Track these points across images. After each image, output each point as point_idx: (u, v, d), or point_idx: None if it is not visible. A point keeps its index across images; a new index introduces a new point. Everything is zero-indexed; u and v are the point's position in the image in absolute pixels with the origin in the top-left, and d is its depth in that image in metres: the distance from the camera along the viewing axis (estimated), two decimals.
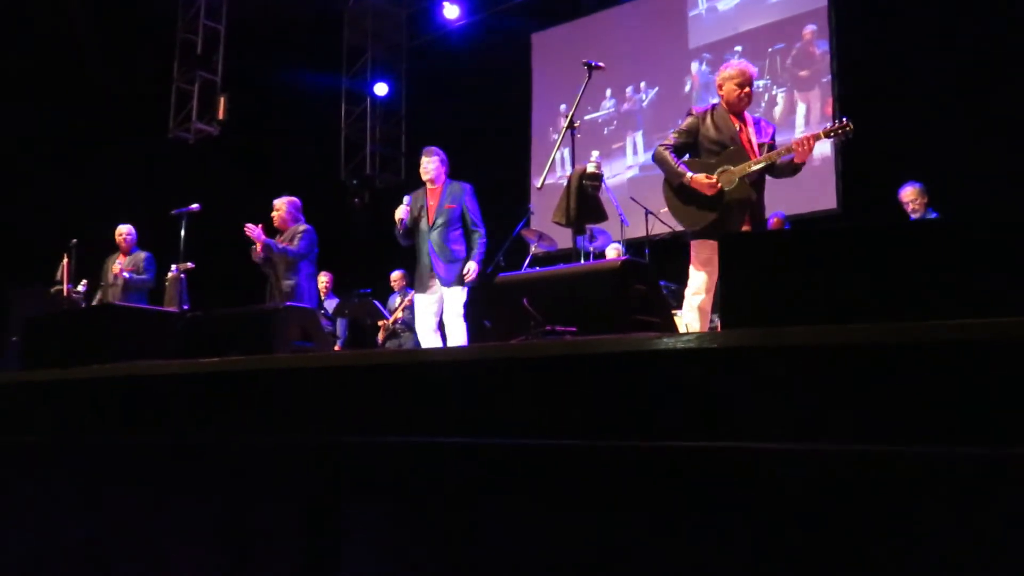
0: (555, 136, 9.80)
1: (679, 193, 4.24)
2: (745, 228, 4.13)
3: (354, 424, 2.11)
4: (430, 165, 5.52)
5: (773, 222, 6.73)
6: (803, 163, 4.06)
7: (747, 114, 4.31)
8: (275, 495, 2.22)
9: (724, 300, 1.91)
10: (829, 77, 8.04)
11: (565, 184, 4.05)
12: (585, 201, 3.95)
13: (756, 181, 4.15)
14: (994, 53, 6.75)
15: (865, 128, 7.51)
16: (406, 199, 5.54)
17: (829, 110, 7.98)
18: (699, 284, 4.16)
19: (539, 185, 4.34)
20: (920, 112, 7.08)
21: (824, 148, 7.94)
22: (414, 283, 5.61)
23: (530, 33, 10.61)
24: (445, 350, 2.05)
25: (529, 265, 7.20)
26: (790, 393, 1.54)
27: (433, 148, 5.61)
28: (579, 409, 1.76)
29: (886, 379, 1.44)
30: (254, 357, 2.58)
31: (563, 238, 7.40)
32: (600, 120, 9.80)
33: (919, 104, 7.11)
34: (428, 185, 5.52)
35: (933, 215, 5.70)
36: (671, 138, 4.34)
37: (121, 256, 7.21)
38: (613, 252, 7.03)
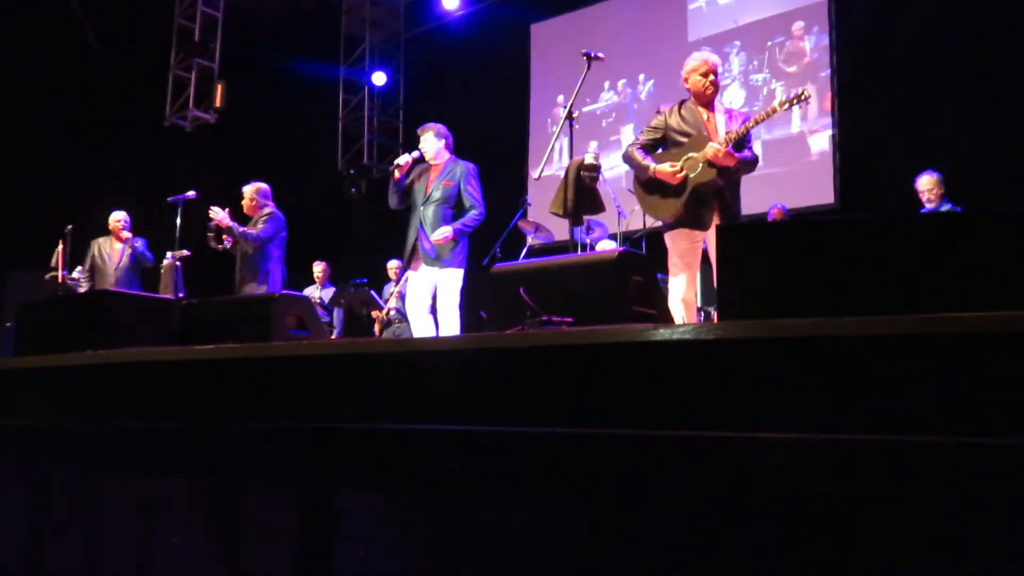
0: (553, 127, 9.78)
1: (646, 187, 4.27)
2: (715, 214, 4.12)
3: (349, 412, 2.11)
4: (426, 143, 5.22)
5: (774, 213, 6.74)
6: (753, 161, 4.17)
7: (719, 104, 4.33)
8: (269, 483, 2.22)
9: (722, 291, 1.91)
10: (828, 71, 8.03)
11: (563, 175, 4.05)
12: (583, 192, 3.95)
13: (728, 170, 4.12)
14: (996, 47, 6.74)
15: (863, 123, 7.60)
16: (416, 152, 5.23)
17: (828, 104, 7.97)
18: (678, 276, 4.16)
19: (536, 176, 4.33)
20: (919, 107, 7.08)
21: (822, 143, 7.94)
22: (405, 260, 5.27)
23: (529, 23, 10.58)
24: (441, 339, 2.04)
25: (526, 256, 7.19)
26: (787, 384, 1.54)
27: (429, 124, 5.31)
28: (575, 399, 1.76)
29: (884, 371, 1.44)
30: (250, 345, 2.57)
31: (560, 229, 7.40)
32: (598, 112, 9.78)
33: (918, 98, 7.11)
34: (431, 162, 5.24)
35: (948, 206, 5.67)
36: (639, 137, 4.39)
37: (114, 241, 7.15)
38: (608, 247, 7.02)
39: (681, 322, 4.11)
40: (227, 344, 2.64)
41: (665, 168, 4.13)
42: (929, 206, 5.69)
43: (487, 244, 7.50)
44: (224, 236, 5.70)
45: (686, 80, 4.32)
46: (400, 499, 1.97)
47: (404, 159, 5.16)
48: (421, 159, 5.24)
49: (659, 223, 4.40)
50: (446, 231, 4.98)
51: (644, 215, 6.77)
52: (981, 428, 1.36)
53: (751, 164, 4.18)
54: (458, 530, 1.88)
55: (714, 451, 1.56)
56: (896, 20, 7.41)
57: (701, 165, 4.08)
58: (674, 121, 4.26)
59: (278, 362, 2.31)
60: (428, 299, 5.16)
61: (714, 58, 4.32)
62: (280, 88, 10.55)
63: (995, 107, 6.62)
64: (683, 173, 4.11)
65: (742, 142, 4.12)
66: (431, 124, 5.31)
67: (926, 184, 5.71)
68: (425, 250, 5.05)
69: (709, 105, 4.27)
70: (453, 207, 5.10)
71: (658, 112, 4.40)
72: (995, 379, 1.36)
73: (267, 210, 5.86)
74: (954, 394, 1.38)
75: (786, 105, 4.01)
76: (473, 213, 5.10)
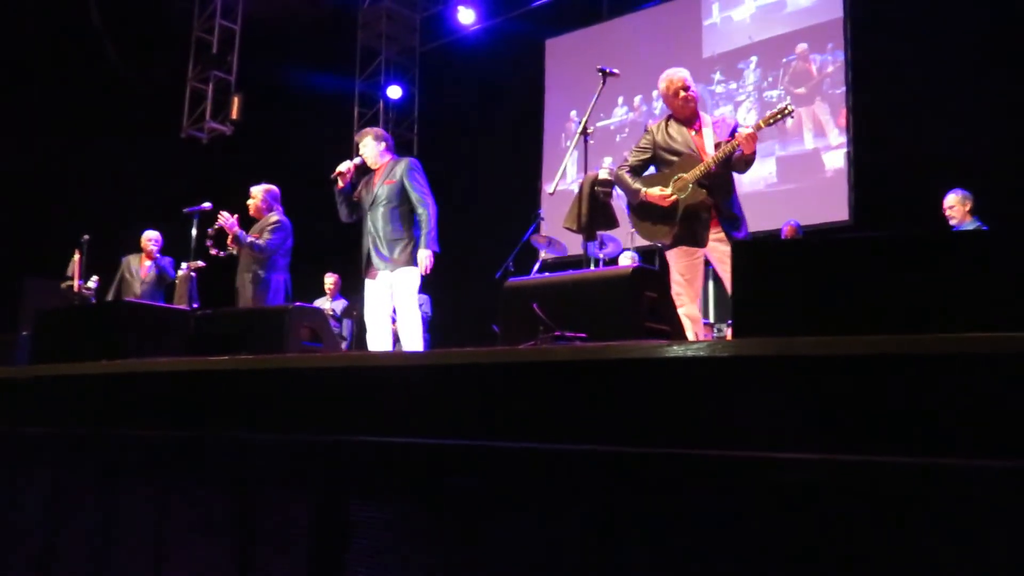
0: (567, 142, 9.80)
1: (639, 211, 4.25)
2: (714, 230, 4.08)
3: (363, 424, 2.11)
4: (366, 148, 5.06)
5: (787, 230, 6.72)
6: (753, 153, 4.02)
7: (705, 115, 4.28)
8: (282, 494, 2.22)
9: (736, 308, 1.91)
10: (843, 88, 8.03)
11: (577, 190, 4.06)
12: (597, 208, 3.96)
13: (719, 180, 4.08)
14: (1014, 62, 6.72)
15: (878, 139, 7.59)
16: (357, 159, 5.08)
17: (843, 121, 7.96)
18: (681, 293, 4.14)
19: (550, 191, 4.33)
20: (935, 123, 7.06)
21: (837, 160, 7.93)
22: (362, 270, 5.04)
23: (544, 39, 10.63)
24: (455, 353, 2.04)
25: (538, 271, 7.19)
26: (801, 403, 1.53)
27: (367, 129, 5.20)
28: (588, 415, 1.76)
29: (899, 391, 1.44)
30: (264, 356, 2.59)
31: (573, 244, 7.41)
32: (612, 127, 9.80)
33: (933, 115, 7.09)
34: (373, 168, 5.08)
35: (976, 224, 5.62)
36: (628, 158, 4.36)
37: (144, 258, 7.22)
38: (627, 260, 7.02)
39: (690, 337, 4.10)
40: (241, 355, 2.66)
41: (655, 192, 4.11)
42: (953, 223, 5.65)
43: (500, 258, 7.52)
44: (228, 242, 5.57)
45: (666, 103, 4.31)
46: (414, 513, 1.97)
47: (344, 166, 5.02)
48: (364, 167, 5.11)
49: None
50: (425, 256, 4.79)
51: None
52: (1008, 451, 1.34)
53: (749, 161, 4.09)
54: (472, 545, 1.87)
55: (729, 470, 1.55)
56: (911, 36, 7.40)
57: (691, 186, 4.04)
58: (661, 139, 4.23)
59: (291, 373, 2.32)
60: (387, 308, 5.03)
61: (681, 73, 4.27)
62: (296, 101, 10.63)
63: (1013, 123, 6.59)
64: (673, 196, 4.08)
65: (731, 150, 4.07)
66: (369, 128, 5.22)
67: (950, 201, 5.67)
68: (380, 256, 4.90)
69: (692, 121, 4.24)
70: (400, 205, 4.90)
71: (646, 130, 4.38)
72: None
73: (274, 217, 5.74)
74: (977, 415, 1.37)
75: (771, 121, 3.97)
76: (426, 217, 4.86)
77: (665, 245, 4.21)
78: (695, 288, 4.15)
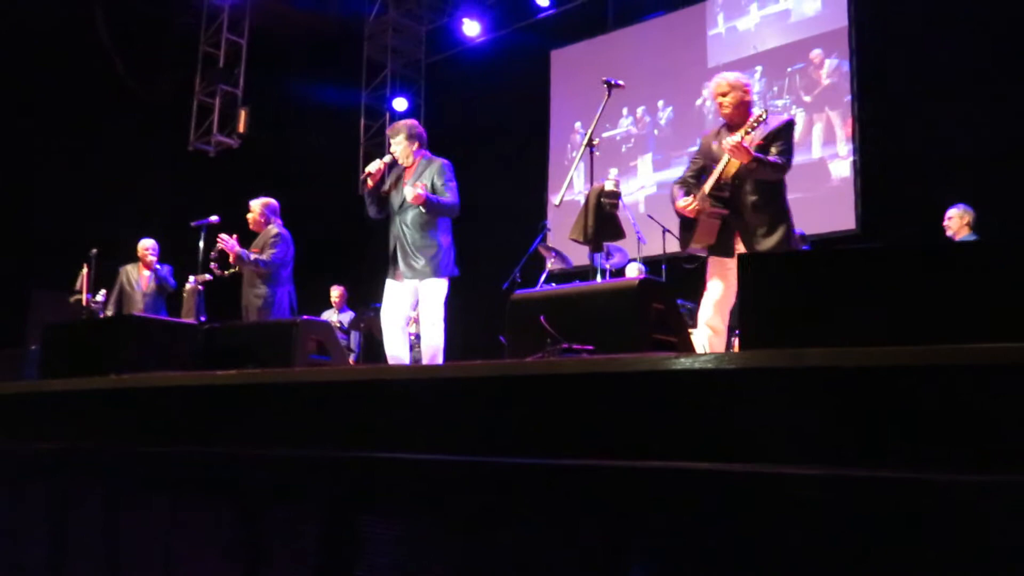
0: (573, 153, 9.83)
1: (681, 221, 4.24)
2: (737, 239, 4.03)
3: (369, 439, 2.11)
4: (397, 145, 4.87)
5: None
6: (753, 161, 3.87)
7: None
8: (290, 510, 2.22)
9: (743, 320, 1.91)
10: (849, 97, 8.03)
11: (583, 201, 4.06)
12: (603, 219, 3.96)
13: (739, 191, 4.01)
14: (1021, 72, 6.71)
15: (885, 148, 7.58)
16: (388, 157, 4.91)
17: (849, 130, 7.96)
18: (705, 298, 4.13)
19: (557, 202, 4.34)
20: (942, 132, 7.04)
21: (843, 169, 7.92)
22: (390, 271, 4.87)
23: (549, 50, 10.67)
24: (464, 366, 2.05)
25: (545, 282, 7.19)
26: (810, 416, 1.53)
27: (400, 123, 5.00)
28: (596, 428, 1.76)
29: (910, 404, 1.43)
30: (272, 370, 2.59)
31: (579, 255, 7.41)
32: (617, 138, 9.82)
33: (941, 124, 7.08)
34: (404, 165, 4.91)
35: (972, 238, 5.65)
36: (685, 171, 4.36)
37: (142, 268, 7.23)
38: (634, 271, 7.02)
39: (700, 346, 4.08)
40: (249, 369, 2.67)
41: (681, 202, 4.12)
42: (949, 233, 5.71)
43: (506, 269, 7.53)
44: (231, 261, 5.56)
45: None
46: (424, 529, 1.96)
47: (375, 166, 4.85)
48: (395, 164, 4.95)
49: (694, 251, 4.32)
50: (419, 192, 4.60)
51: (663, 234, 6.82)
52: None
53: (773, 167, 3.96)
54: (482, 561, 1.87)
55: (738, 485, 1.55)
56: (918, 44, 7.39)
57: (709, 197, 4.02)
58: (706, 147, 4.21)
59: (299, 388, 2.32)
60: (406, 311, 4.86)
61: (718, 78, 4.19)
62: (302, 113, 10.69)
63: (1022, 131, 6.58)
64: (695, 206, 4.08)
65: (769, 147, 3.98)
66: (402, 122, 5.01)
67: (949, 214, 5.74)
68: (407, 265, 4.73)
69: (738, 126, 4.10)
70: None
71: (701, 139, 4.37)
72: None
73: (274, 231, 5.73)
74: (995, 428, 1.36)
75: (748, 130, 3.93)
76: (448, 199, 4.73)
77: (703, 254, 4.20)
78: (717, 296, 4.10)
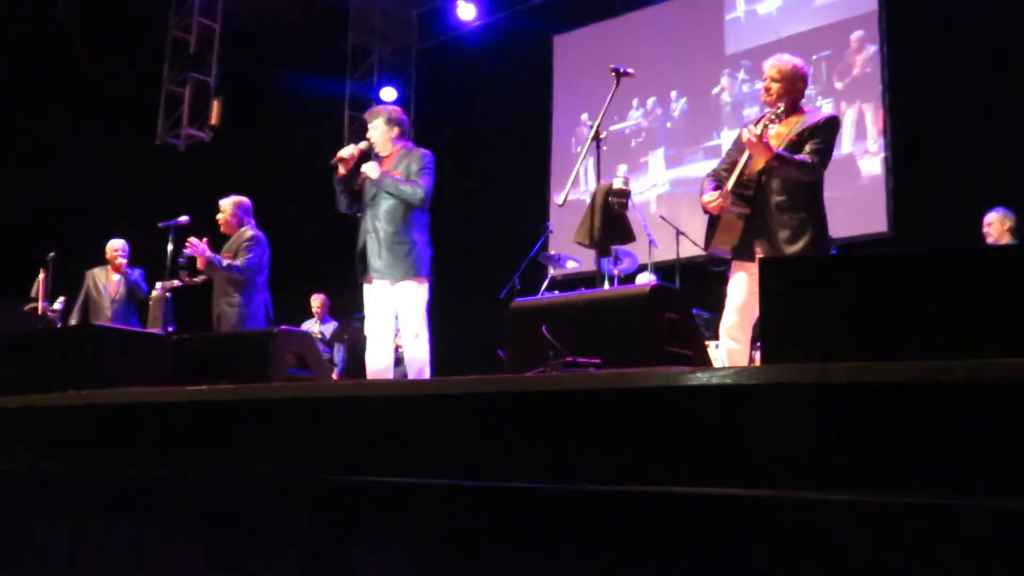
0: (578, 148, 9.83)
1: (709, 219, 4.22)
2: (758, 244, 4.00)
3: (354, 461, 2.11)
4: (375, 131, 4.77)
5: None
6: (775, 158, 3.86)
7: (808, 110, 4.16)
8: (270, 538, 2.22)
9: (764, 331, 1.91)
10: (880, 88, 8.04)
11: (589, 201, 4.07)
12: (611, 220, 3.95)
13: (764, 190, 3.99)
14: None
15: (920, 144, 7.59)
16: (363, 143, 4.77)
17: (880, 124, 7.96)
18: (728, 305, 4.10)
19: (560, 202, 4.31)
20: (982, 126, 7.05)
21: (874, 166, 7.94)
22: (357, 272, 4.78)
23: (552, 35, 10.68)
24: (457, 382, 2.05)
25: (547, 289, 7.20)
26: (836, 437, 1.53)
27: (380, 108, 4.93)
28: (603, 450, 1.76)
29: (948, 425, 1.43)
30: (247, 386, 2.60)
31: (585, 260, 7.42)
32: (627, 131, 9.83)
33: (981, 118, 7.09)
34: (381, 154, 4.79)
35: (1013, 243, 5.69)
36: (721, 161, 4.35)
37: (111, 271, 7.22)
38: (645, 278, 7.03)
39: (719, 360, 4.07)
40: (222, 384, 2.67)
41: (706, 197, 4.09)
42: (989, 240, 5.74)
43: (505, 275, 7.53)
44: (200, 266, 5.48)
45: None
46: (414, 559, 1.97)
47: (348, 151, 4.72)
48: (371, 151, 4.82)
49: (701, 250, 4.30)
50: (376, 166, 4.59)
51: (677, 237, 6.83)
52: None
53: (800, 166, 3.95)
54: None
55: (756, 512, 1.55)
56: (955, 31, 7.41)
57: (732, 195, 3.99)
58: (740, 138, 4.13)
59: (277, 405, 2.32)
60: (390, 319, 4.76)
61: (779, 63, 4.14)
62: (281, 104, 10.68)
63: None
64: (719, 202, 4.05)
65: (800, 145, 3.97)
66: (382, 107, 4.94)
67: (989, 219, 5.79)
68: (377, 262, 4.65)
69: (786, 117, 4.07)
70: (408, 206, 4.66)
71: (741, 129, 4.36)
72: None
73: (248, 233, 5.69)
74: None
75: (768, 123, 3.95)
76: (414, 184, 4.62)
77: (727, 256, 4.15)
78: (749, 306, 4.03)
